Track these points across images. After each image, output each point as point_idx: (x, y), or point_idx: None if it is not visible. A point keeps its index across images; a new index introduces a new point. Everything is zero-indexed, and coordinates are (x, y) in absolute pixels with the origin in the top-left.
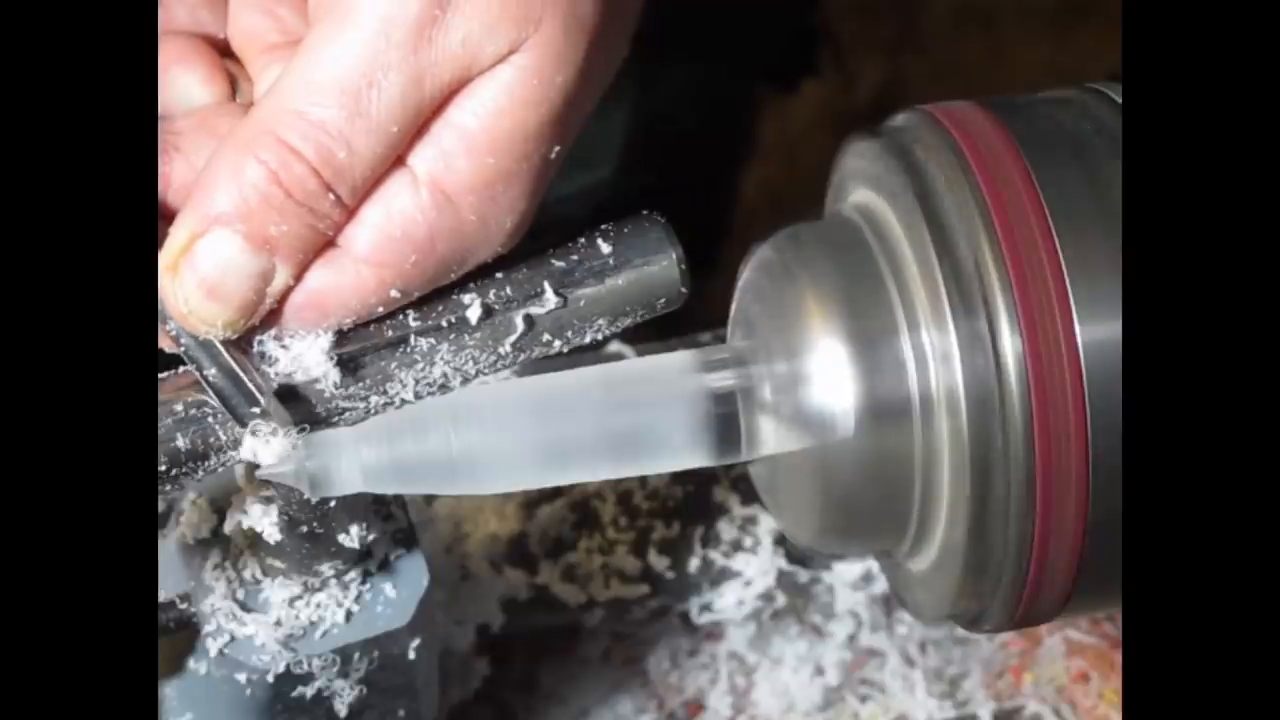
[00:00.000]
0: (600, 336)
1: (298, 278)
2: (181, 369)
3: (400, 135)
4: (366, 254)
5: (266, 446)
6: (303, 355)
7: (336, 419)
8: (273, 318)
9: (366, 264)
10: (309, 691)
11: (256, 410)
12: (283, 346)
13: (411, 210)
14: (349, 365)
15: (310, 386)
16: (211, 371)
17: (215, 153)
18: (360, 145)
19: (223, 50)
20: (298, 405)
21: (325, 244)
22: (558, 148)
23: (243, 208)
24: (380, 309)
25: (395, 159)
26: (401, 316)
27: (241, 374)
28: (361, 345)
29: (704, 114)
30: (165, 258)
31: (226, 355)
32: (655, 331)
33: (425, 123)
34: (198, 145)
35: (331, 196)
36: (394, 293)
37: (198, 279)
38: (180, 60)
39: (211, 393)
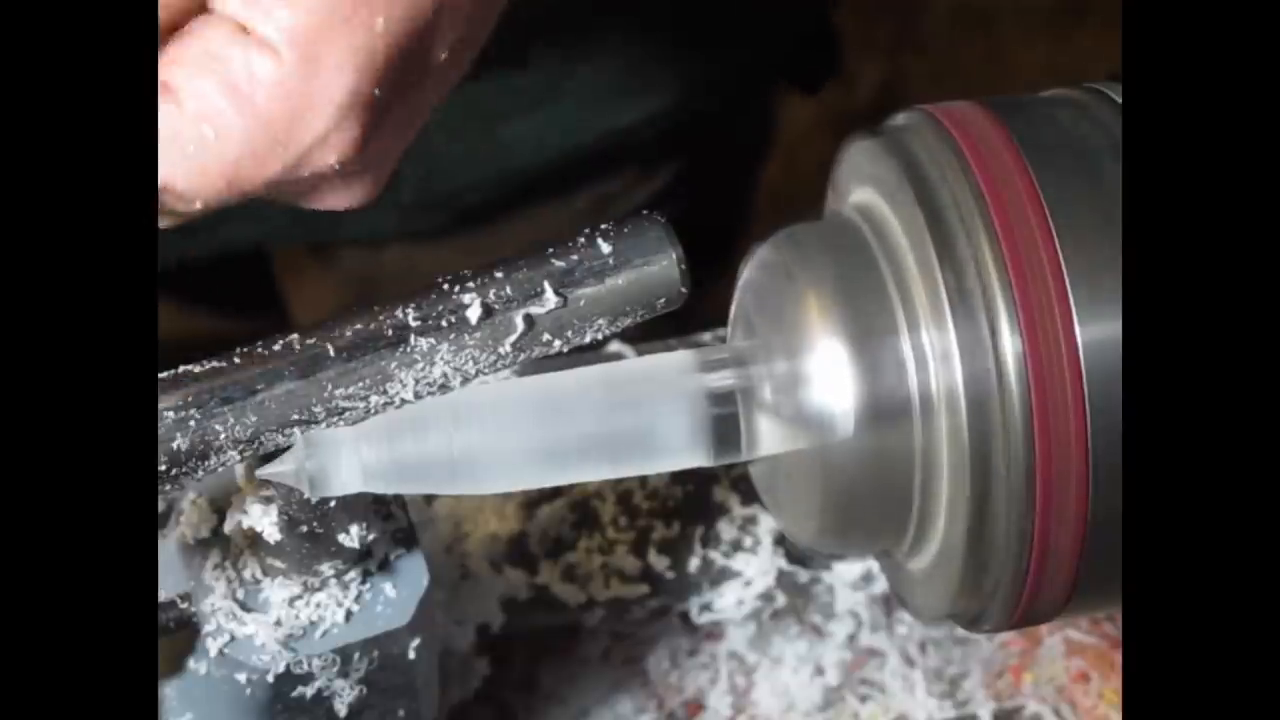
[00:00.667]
0: (600, 336)
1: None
2: (182, 368)
3: None
4: (197, 108)
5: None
6: None
7: (336, 419)
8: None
9: (197, 119)
10: (309, 691)
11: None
12: None
13: (238, 61)
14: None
15: (307, 386)
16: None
17: None
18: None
19: None
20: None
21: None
22: (401, 30)
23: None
24: (233, 187)
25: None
26: (401, 316)
27: None
28: (362, 344)
29: (730, 107)
30: None
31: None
32: (655, 331)
33: None
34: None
35: None
36: (237, 163)
37: None
38: None
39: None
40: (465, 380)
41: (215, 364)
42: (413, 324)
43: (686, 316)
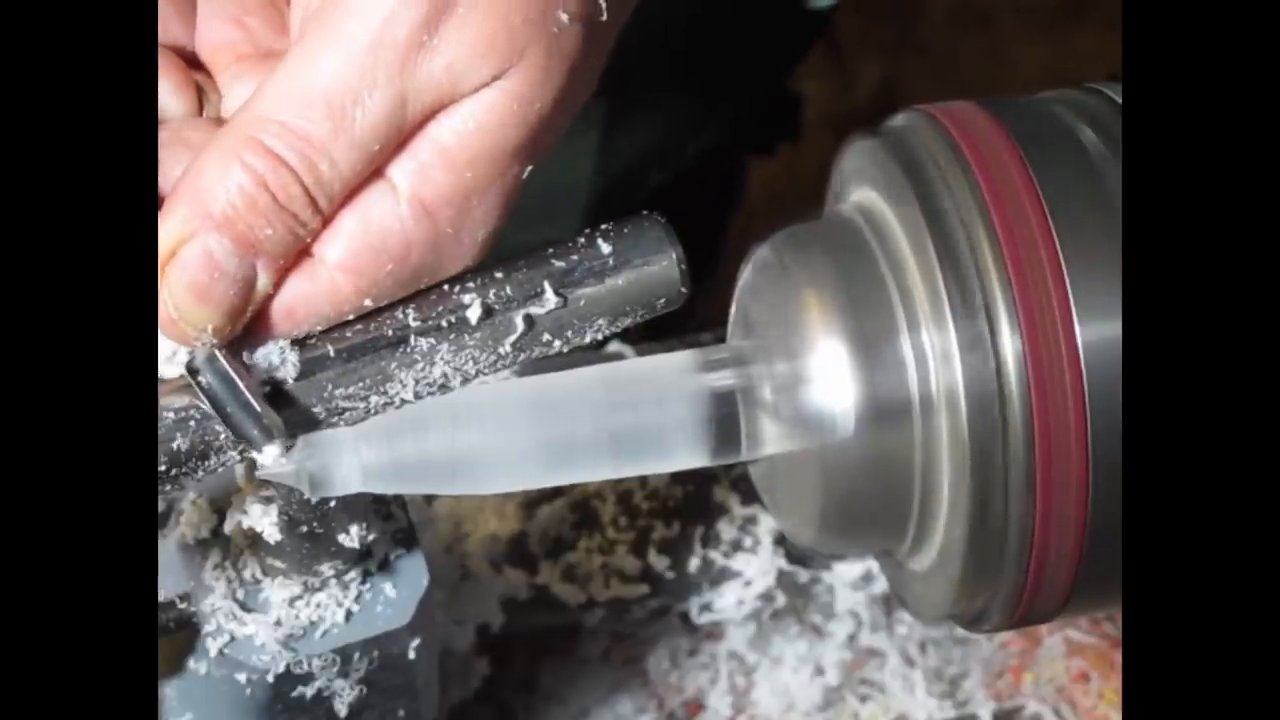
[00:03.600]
0: (600, 336)
1: (277, 285)
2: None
3: (381, 152)
4: (341, 261)
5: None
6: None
7: (336, 419)
8: (253, 325)
9: (341, 271)
10: (309, 691)
11: (264, 434)
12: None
13: (389, 220)
14: (335, 361)
15: (307, 386)
16: (221, 393)
17: (198, 159)
18: (341, 159)
19: (190, 62)
20: (295, 407)
21: (303, 252)
22: (529, 167)
23: (229, 211)
24: (350, 316)
25: (374, 171)
26: (401, 316)
27: (248, 394)
28: (362, 345)
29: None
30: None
31: (231, 370)
32: (655, 331)
33: (406, 138)
34: (172, 157)
35: (311, 207)
36: (367, 300)
37: (187, 281)
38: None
39: (220, 416)
40: (465, 380)
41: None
42: (413, 324)
43: (687, 316)
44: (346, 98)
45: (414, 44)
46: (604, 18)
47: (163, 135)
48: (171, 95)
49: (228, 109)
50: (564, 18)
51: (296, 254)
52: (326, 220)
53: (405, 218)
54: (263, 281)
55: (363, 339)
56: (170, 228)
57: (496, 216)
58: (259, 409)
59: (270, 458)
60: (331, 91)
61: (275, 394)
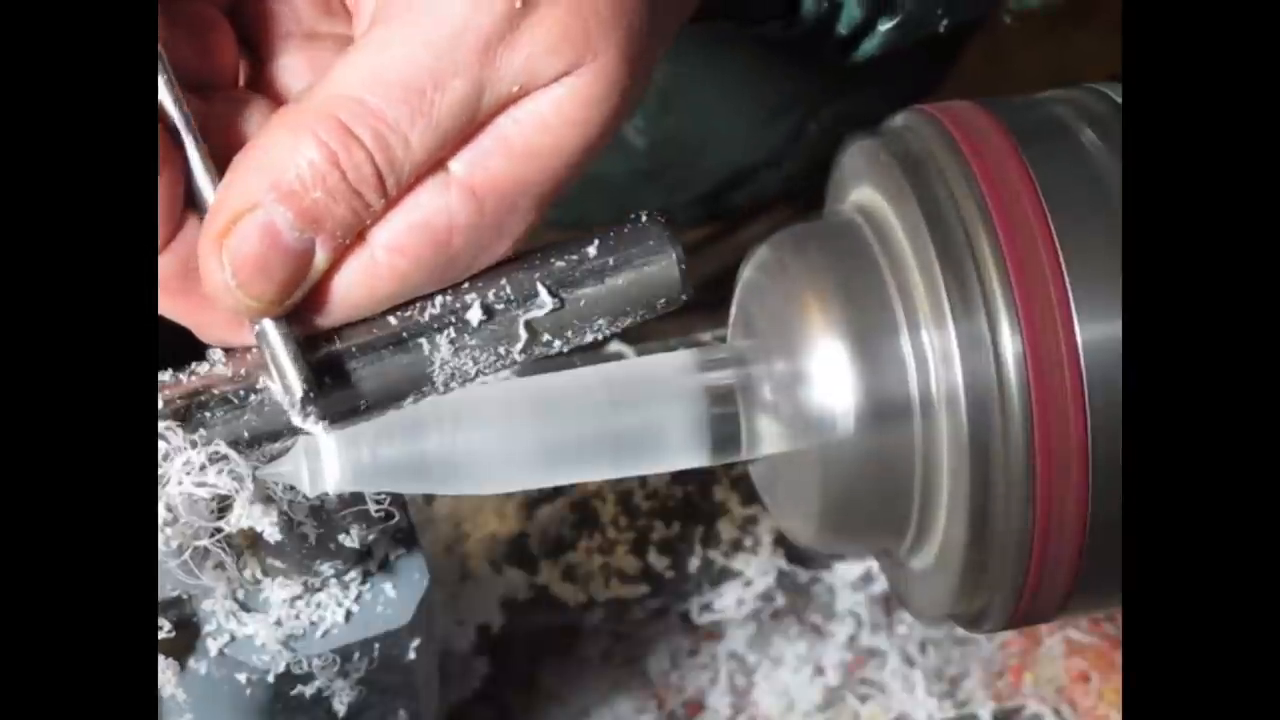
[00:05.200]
0: (600, 336)
1: (333, 264)
2: (191, 365)
3: (454, 139)
4: (386, 240)
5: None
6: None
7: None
8: (302, 304)
9: (384, 249)
10: (309, 691)
11: (310, 396)
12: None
13: (437, 203)
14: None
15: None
16: (280, 352)
17: (266, 131)
18: (416, 143)
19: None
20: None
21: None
22: (579, 168)
23: (297, 185)
24: (385, 304)
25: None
26: (402, 315)
27: (299, 359)
28: (363, 344)
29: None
30: (212, 229)
31: (288, 337)
32: (655, 331)
33: (477, 128)
34: (225, 125)
35: (380, 188)
36: (402, 287)
37: (246, 251)
38: (215, 28)
39: (276, 375)
40: (465, 380)
41: (215, 365)
42: (413, 324)
43: (687, 317)
44: (427, 83)
45: (498, 34)
46: (666, 27)
47: (213, 103)
48: (216, 62)
49: (279, 85)
50: (635, 21)
51: (357, 234)
52: (390, 204)
53: (453, 201)
54: (320, 259)
55: (366, 338)
56: (233, 196)
57: (538, 211)
58: (306, 367)
59: (305, 419)
60: (412, 75)
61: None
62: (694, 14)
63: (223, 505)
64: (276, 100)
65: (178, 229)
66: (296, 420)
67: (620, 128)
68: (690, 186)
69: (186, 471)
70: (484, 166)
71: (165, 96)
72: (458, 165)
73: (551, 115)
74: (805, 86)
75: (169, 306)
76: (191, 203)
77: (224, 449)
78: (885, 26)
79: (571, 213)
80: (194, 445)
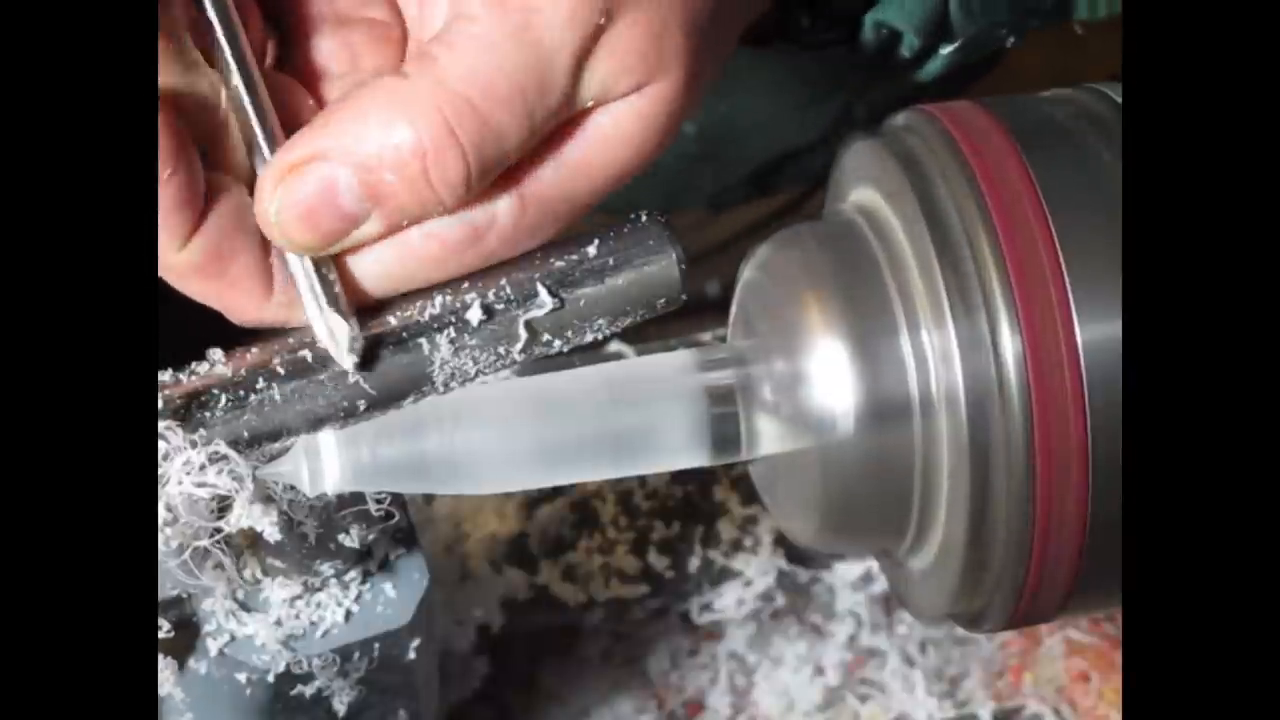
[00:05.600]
0: (600, 336)
1: (386, 235)
2: (191, 365)
3: (536, 144)
4: (429, 227)
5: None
6: None
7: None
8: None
9: (425, 236)
10: (309, 691)
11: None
12: None
13: (485, 200)
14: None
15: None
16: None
17: (368, 96)
18: (512, 147)
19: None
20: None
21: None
22: (620, 185)
23: (373, 160)
24: (410, 285)
25: None
26: (404, 315)
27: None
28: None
29: None
30: (279, 165)
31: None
32: (655, 331)
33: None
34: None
35: (464, 190)
36: (431, 274)
37: (299, 197)
38: (246, 8)
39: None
40: (465, 380)
41: (215, 365)
42: (413, 324)
43: (686, 316)
44: (532, 90)
45: (587, 49)
46: (723, 50)
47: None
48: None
49: (309, 67)
50: (701, 45)
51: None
52: (464, 203)
53: (499, 202)
54: (370, 229)
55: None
56: (313, 140)
57: (574, 219)
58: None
59: (347, 359)
60: (519, 82)
61: None
62: (754, 39)
63: (223, 505)
64: (305, 82)
65: (202, 218)
66: (345, 363)
67: (673, 139)
68: (738, 169)
69: (186, 471)
70: (536, 175)
71: (228, 54)
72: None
73: (611, 130)
74: (852, 72)
75: (199, 289)
76: (233, 174)
77: (224, 449)
78: (946, 50)
79: (620, 198)
80: (194, 445)
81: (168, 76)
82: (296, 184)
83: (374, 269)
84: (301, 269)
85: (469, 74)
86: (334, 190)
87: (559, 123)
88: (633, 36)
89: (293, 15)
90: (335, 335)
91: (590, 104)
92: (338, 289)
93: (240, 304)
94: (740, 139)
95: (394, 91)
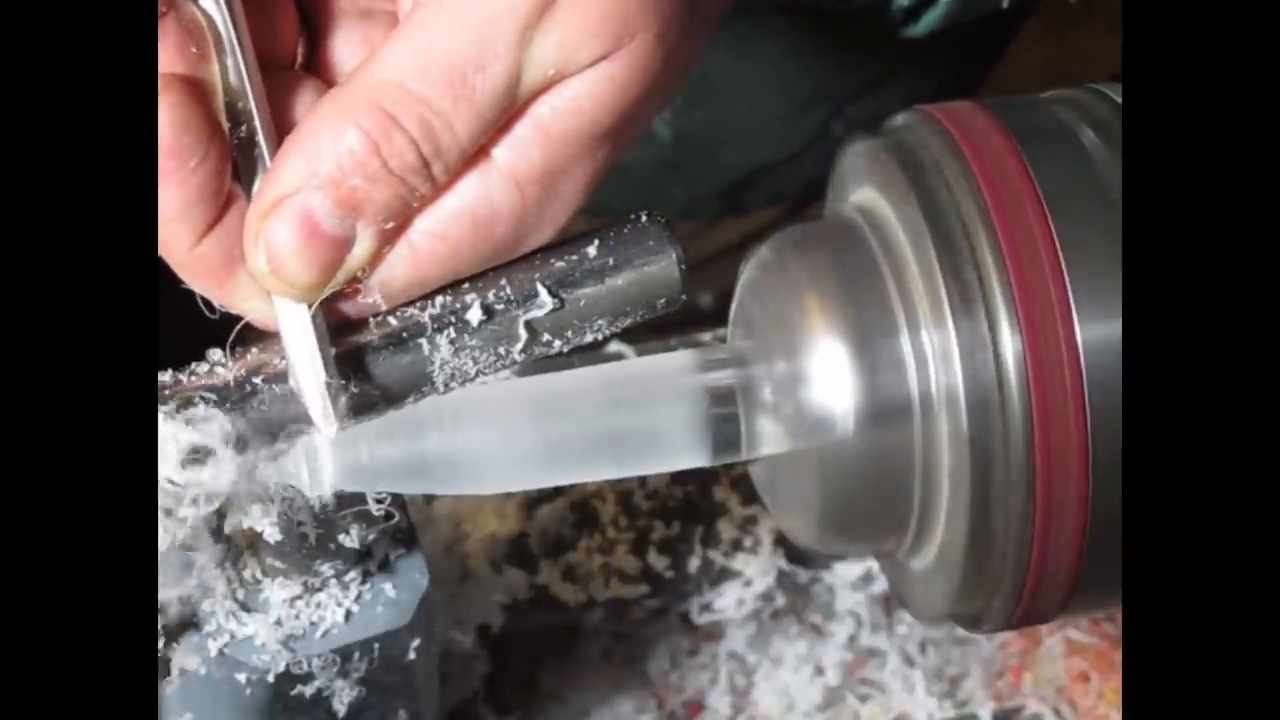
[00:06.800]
0: (600, 336)
1: (376, 253)
2: (191, 365)
3: (494, 124)
4: (426, 226)
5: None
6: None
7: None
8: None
9: (424, 235)
10: (309, 691)
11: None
12: None
13: (479, 192)
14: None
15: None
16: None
17: (311, 117)
18: (461, 129)
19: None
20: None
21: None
22: (615, 152)
23: (337, 173)
24: (426, 288)
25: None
26: (404, 314)
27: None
28: (363, 344)
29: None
30: (254, 213)
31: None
32: (655, 331)
33: (516, 113)
34: (288, 104)
35: (425, 174)
36: (444, 275)
37: (283, 239)
38: (282, 8)
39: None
40: (465, 380)
41: (215, 366)
42: (413, 324)
43: (686, 316)
44: (469, 67)
45: (534, 17)
46: (709, 10)
47: (267, 83)
48: (280, 43)
49: (331, 64)
50: (675, 5)
51: (404, 223)
52: (440, 190)
53: (494, 191)
54: (362, 247)
55: (366, 338)
56: (276, 181)
57: (580, 196)
58: (335, 376)
59: (329, 428)
60: (454, 59)
61: None
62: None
63: (223, 505)
64: (328, 80)
65: (221, 214)
66: (329, 430)
67: (659, 111)
68: (711, 180)
69: (186, 471)
70: (524, 156)
71: (235, 76)
72: (500, 152)
73: (585, 100)
74: (834, 82)
75: (213, 291)
76: (248, 184)
77: (223, 448)
78: (940, 3)
79: (592, 201)
80: (193, 444)
81: (204, 72)
82: (275, 229)
83: (392, 285)
84: (299, 333)
85: (405, 61)
86: (313, 220)
87: (519, 97)
88: (593, 2)
89: (317, 12)
90: (326, 404)
91: (553, 74)
92: (331, 353)
93: (253, 307)
94: (716, 148)
95: (336, 100)
